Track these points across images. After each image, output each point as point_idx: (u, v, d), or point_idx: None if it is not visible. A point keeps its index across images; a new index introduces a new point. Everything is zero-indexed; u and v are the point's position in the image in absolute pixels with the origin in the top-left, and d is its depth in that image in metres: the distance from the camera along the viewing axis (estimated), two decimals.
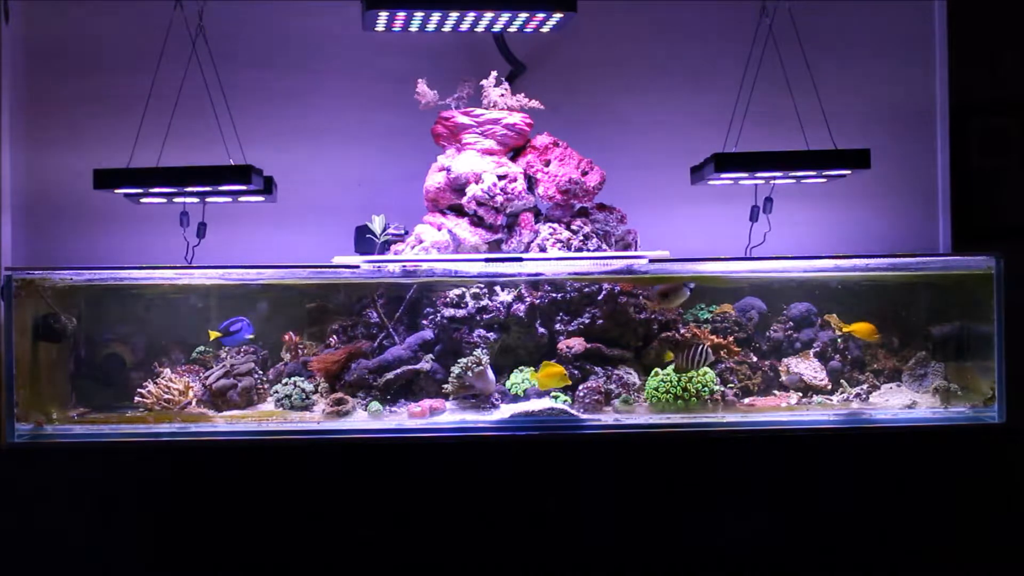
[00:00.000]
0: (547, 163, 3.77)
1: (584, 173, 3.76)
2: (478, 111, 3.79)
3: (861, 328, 3.73)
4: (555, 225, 3.71)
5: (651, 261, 3.56)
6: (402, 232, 3.79)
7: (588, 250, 3.66)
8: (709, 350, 3.60)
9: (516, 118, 3.80)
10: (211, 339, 3.70)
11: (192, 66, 3.63)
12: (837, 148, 3.60)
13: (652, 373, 3.64)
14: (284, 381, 3.67)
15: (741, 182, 3.77)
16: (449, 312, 3.70)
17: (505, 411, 3.52)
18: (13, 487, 3.33)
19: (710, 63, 4.08)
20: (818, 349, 3.83)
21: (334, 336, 3.79)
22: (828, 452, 3.43)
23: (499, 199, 3.69)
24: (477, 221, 3.76)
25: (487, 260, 3.62)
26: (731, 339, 3.82)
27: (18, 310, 3.43)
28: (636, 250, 3.78)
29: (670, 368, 3.62)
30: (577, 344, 3.67)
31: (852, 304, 3.88)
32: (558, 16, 3.40)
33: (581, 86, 4.10)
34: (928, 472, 3.43)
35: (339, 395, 3.59)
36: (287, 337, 3.80)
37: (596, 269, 3.67)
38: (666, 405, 3.56)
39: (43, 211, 3.94)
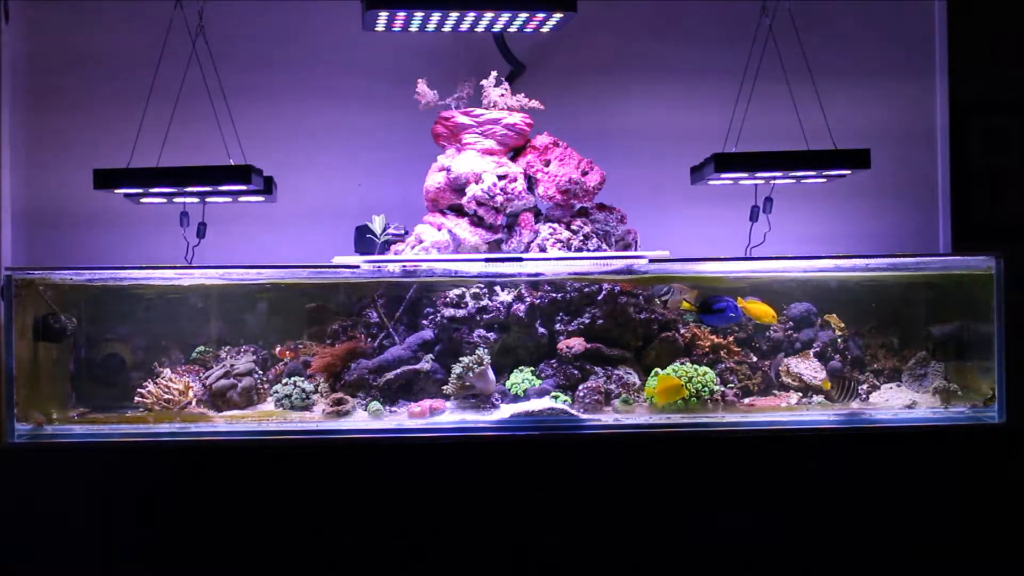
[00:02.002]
0: (547, 163, 3.77)
1: (584, 173, 3.76)
2: (478, 111, 3.79)
3: (756, 309, 3.64)
4: (555, 225, 3.71)
5: (651, 261, 3.56)
6: (402, 232, 3.79)
7: (588, 250, 3.66)
8: (861, 387, 3.65)
9: (516, 118, 3.80)
10: (683, 308, 3.58)
11: (192, 66, 3.63)
12: (837, 148, 3.60)
13: (652, 373, 3.64)
14: (284, 381, 3.67)
15: (741, 182, 3.77)
16: (449, 312, 3.70)
17: (505, 411, 3.52)
18: (13, 487, 3.33)
19: (710, 63, 4.08)
20: (818, 349, 3.83)
21: (329, 340, 3.80)
22: (828, 452, 3.43)
23: (499, 199, 3.69)
24: (477, 221, 3.76)
25: (487, 260, 3.63)
26: (731, 339, 3.82)
27: (18, 310, 3.43)
28: (636, 250, 3.78)
29: (670, 368, 3.62)
30: (577, 344, 3.67)
31: (852, 304, 3.89)
32: (558, 16, 3.40)
33: (581, 86, 4.10)
34: (928, 472, 3.43)
35: (339, 395, 3.60)
36: (280, 351, 3.78)
37: (596, 269, 3.67)
38: (666, 405, 3.55)
39: (43, 211, 3.94)
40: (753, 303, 3.67)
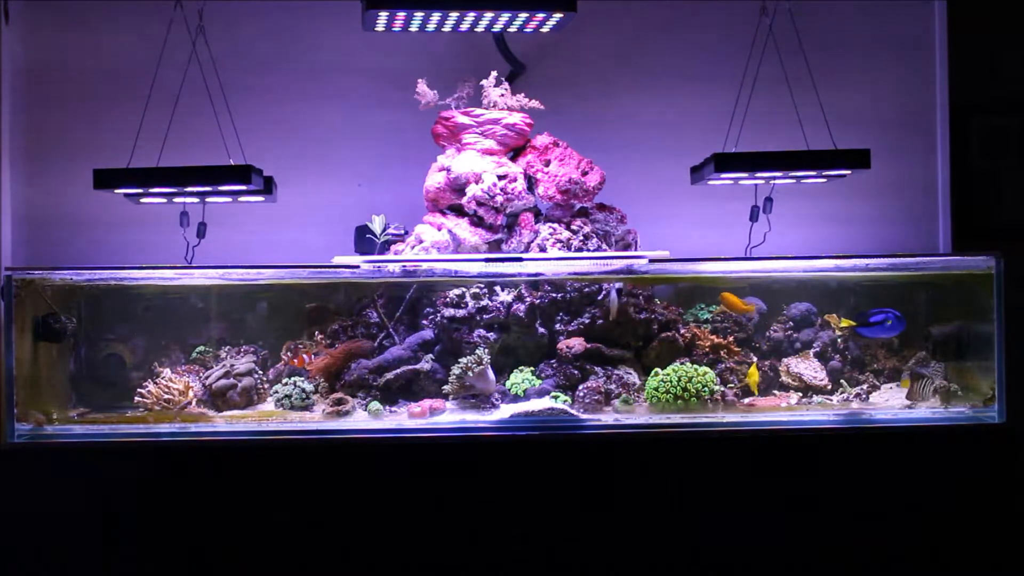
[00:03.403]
0: (547, 163, 3.77)
1: (584, 173, 3.76)
2: (478, 111, 3.79)
3: (731, 300, 3.71)
4: (555, 225, 3.71)
5: (651, 261, 3.56)
6: (402, 232, 3.79)
7: (588, 250, 3.66)
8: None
9: (516, 118, 3.80)
10: (843, 325, 3.62)
11: (192, 66, 3.63)
12: (837, 148, 3.60)
13: (652, 373, 3.64)
14: (284, 381, 3.67)
15: (741, 182, 3.77)
16: (449, 312, 3.70)
17: (505, 411, 3.52)
18: (13, 487, 3.33)
19: (710, 63, 4.08)
20: (818, 349, 3.83)
21: (326, 337, 3.79)
22: (828, 452, 3.43)
23: (499, 199, 3.69)
24: (477, 221, 3.76)
25: (487, 260, 3.63)
26: (731, 339, 3.82)
27: (18, 310, 3.43)
28: (636, 250, 3.78)
29: (670, 368, 3.62)
30: (577, 344, 3.67)
31: (852, 304, 3.88)
32: (558, 16, 3.40)
33: (581, 86, 4.10)
34: (928, 472, 3.43)
35: (339, 395, 3.60)
36: (295, 358, 3.77)
37: (596, 269, 3.67)
38: (666, 405, 3.56)
39: (43, 211, 3.93)
40: (729, 297, 3.73)
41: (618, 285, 3.70)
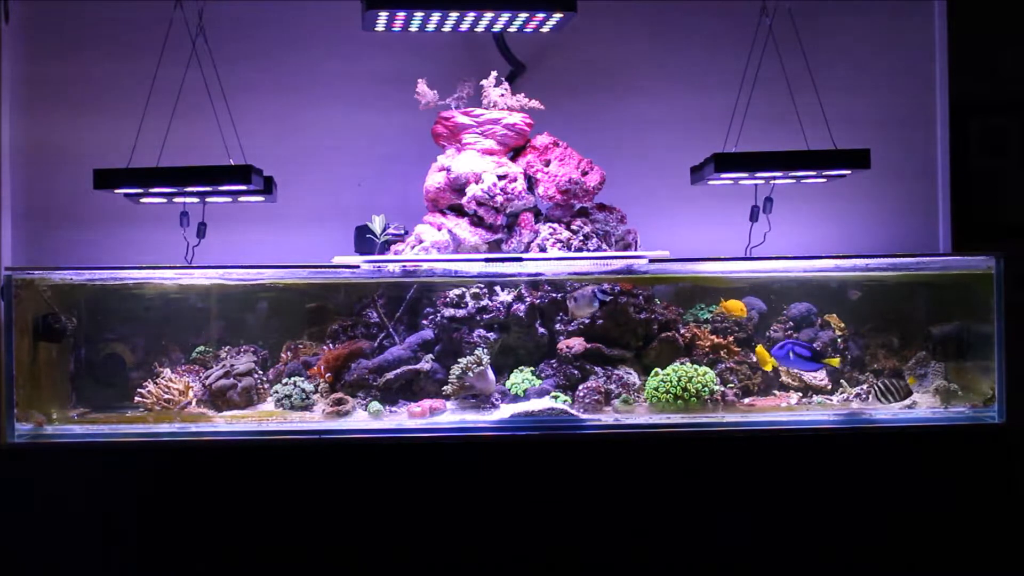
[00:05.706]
0: (547, 163, 3.77)
1: (584, 173, 3.76)
2: (478, 111, 3.79)
3: (733, 306, 3.73)
4: (555, 225, 3.71)
5: (651, 261, 3.56)
6: (402, 232, 3.78)
7: (588, 250, 3.66)
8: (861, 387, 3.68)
9: (516, 118, 3.80)
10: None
11: (192, 66, 3.63)
12: (837, 148, 3.60)
13: (652, 373, 3.64)
14: (284, 381, 3.67)
15: (741, 182, 3.77)
16: (449, 312, 3.70)
17: (505, 411, 3.52)
18: (13, 487, 3.33)
19: (710, 63, 4.08)
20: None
21: (330, 341, 3.79)
22: (828, 452, 3.43)
23: (499, 199, 3.69)
24: (477, 221, 3.76)
25: (487, 260, 3.63)
26: (731, 339, 3.82)
27: (18, 310, 3.43)
28: (636, 250, 3.78)
29: (670, 368, 3.62)
30: (577, 344, 3.67)
31: (852, 304, 3.88)
32: (558, 16, 3.40)
33: (581, 86, 4.10)
34: (928, 472, 3.43)
35: (339, 395, 3.60)
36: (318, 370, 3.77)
37: (596, 269, 3.67)
38: (666, 405, 3.56)
39: (43, 211, 3.93)
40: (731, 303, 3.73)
41: (576, 286, 3.67)
